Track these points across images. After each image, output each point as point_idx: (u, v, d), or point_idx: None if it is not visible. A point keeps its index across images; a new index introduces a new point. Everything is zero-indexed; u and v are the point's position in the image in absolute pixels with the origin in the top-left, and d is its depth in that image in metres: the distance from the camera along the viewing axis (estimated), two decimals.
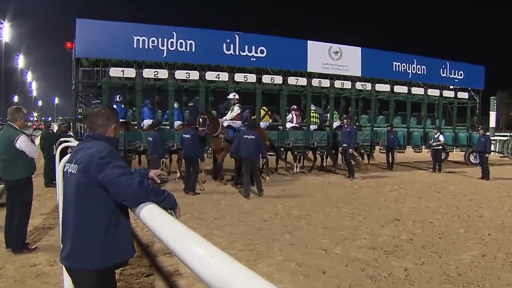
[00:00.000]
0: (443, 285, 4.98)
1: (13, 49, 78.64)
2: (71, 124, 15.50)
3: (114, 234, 2.54)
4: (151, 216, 2.06)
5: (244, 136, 11.19)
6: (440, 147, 17.18)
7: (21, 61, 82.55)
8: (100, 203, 2.49)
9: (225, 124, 13.34)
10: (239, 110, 13.76)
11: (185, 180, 11.82)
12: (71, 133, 14.43)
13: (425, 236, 7.23)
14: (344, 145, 14.79)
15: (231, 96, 14.01)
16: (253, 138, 11.07)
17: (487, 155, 15.49)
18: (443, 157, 21.40)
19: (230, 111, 13.82)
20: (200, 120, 12.49)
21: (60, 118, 39.85)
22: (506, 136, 24.22)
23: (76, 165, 2.59)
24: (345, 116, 16.04)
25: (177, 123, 14.66)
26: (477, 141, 16.38)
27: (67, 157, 3.08)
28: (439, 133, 17.06)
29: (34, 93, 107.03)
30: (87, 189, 2.49)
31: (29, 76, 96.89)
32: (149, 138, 12.04)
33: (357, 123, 18.09)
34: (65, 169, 2.76)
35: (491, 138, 27.63)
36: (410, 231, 7.56)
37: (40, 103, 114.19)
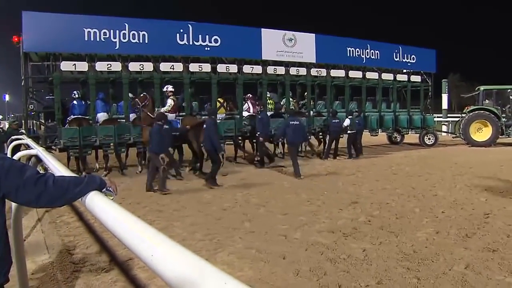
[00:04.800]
0: (400, 262, 5.09)
1: None
2: (23, 121, 15.01)
3: (6, 243, 2.32)
4: (100, 210, 1.99)
5: (291, 122, 12.55)
6: (353, 131, 16.40)
7: None
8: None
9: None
10: (173, 103, 13.74)
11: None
12: (23, 131, 14.01)
13: (382, 217, 7.38)
14: (257, 133, 14.50)
15: (165, 88, 14.05)
16: (298, 124, 12.60)
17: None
18: (398, 139, 21.94)
19: (166, 104, 13.84)
20: (142, 95, 12.99)
21: (12, 115, 38.57)
22: (458, 117, 24.94)
23: None
24: (258, 102, 16.07)
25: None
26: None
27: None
28: (346, 118, 16.57)
29: None
30: None
31: None
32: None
33: (313, 109, 18.25)
34: None
35: (444, 119, 28.66)
36: (368, 213, 7.69)
37: None
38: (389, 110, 20.21)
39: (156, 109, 13.41)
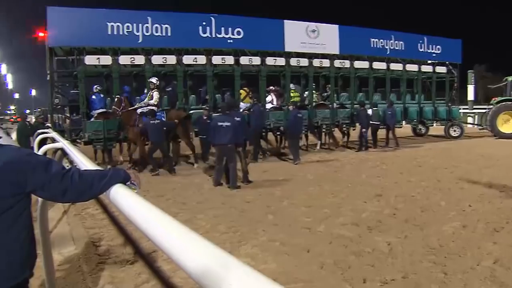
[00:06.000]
0: (425, 257, 5.01)
1: None
2: (48, 115, 15.26)
3: (32, 238, 2.22)
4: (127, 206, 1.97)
5: (298, 115, 13.65)
6: (377, 123, 16.60)
7: None
8: (24, 212, 2.13)
9: (139, 111, 12.91)
10: (158, 96, 13.36)
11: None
12: (49, 124, 14.24)
13: (407, 210, 7.28)
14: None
15: (153, 80, 13.44)
16: (300, 117, 13.73)
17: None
18: (423, 131, 21.68)
19: (148, 97, 13.37)
20: (116, 99, 12.67)
21: (38, 110, 39.26)
22: (485, 109, 24.45)
23: None
24: (251, 95, 15.81)
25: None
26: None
27: None
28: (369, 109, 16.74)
29: (10, 86, 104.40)
30: (11, 200, 2.04)
31: (3, 69, 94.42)
32: (223, 124, 9.73)
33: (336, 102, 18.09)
34: None
35: (470, 111, 28.20)
36: (393, 206, 7.61)
37: (16, 95, 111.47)
38: (413, 101, 19.95)
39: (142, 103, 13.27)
